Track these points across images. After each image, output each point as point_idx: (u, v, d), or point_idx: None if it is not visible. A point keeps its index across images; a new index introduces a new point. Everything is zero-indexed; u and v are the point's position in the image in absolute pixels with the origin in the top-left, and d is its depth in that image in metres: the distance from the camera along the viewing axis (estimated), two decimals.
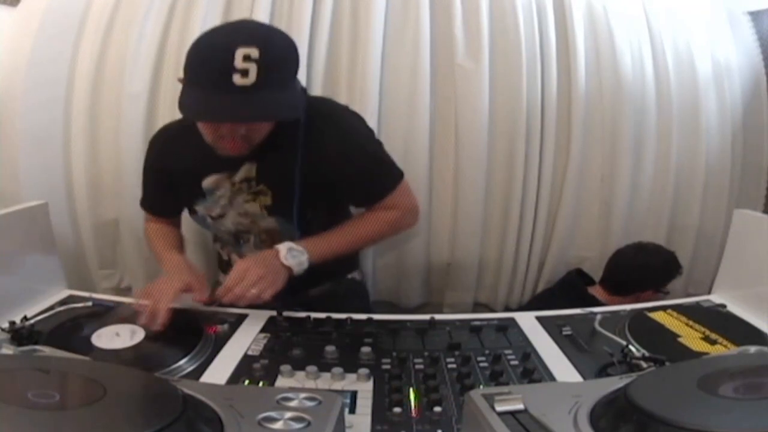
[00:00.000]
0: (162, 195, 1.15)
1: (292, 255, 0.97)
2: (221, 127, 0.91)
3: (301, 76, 1.46)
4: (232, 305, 0.96)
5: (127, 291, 1.71)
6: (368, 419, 0.67)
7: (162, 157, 1.11)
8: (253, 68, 0.82)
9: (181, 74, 0.91)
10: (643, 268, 1.55)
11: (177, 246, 1.15)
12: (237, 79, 0.82)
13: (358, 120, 1.09)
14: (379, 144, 1.11)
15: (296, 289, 1.03)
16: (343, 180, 1.04)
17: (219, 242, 1.22)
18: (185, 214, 1.20)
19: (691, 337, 0.89)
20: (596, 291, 1.61)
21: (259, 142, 0.96)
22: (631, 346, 0.82)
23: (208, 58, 0.85)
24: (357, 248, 1.09)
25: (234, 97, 0.83)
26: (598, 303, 1.48)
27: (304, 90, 1.02)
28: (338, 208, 1.14)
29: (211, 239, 1.31)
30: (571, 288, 1.64)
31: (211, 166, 1.03)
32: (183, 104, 0.88)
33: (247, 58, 0.81)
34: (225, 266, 1.23)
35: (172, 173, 1.09)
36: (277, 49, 0.87)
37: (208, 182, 1.05)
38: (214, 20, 1.51)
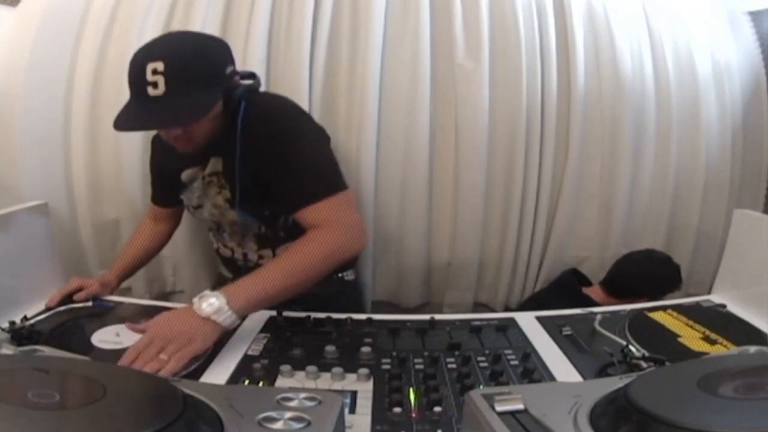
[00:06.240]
0: (161, 186, 1.31)
1: (207, 303, 0.85)
2: (163, 132, 1.02)
3: (301, 76, 1.48)
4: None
5: (127, 291, 1.71)
6: (368, 419, 0.67)
7: (157, 152, 1.27)
8: (161, 80, 0.90)
9: None
10: (645, 278, 1.54)
11: (134, 247, 1.31)
12: (150, 90, 0.91)
13: (295, 119, 1.06)
14: (315, 148, 1.06)
15: None
16: (269, 178, 1.03)
17: (210, 232, 1.27)
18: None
19: (691, 337, 0.89)
20: (592, 291, 1.60)
21: (203, 141, 1.02)
22: (631, 346, 0.82)
23: (130, 74, 0.94)
24: (298, 283, 0.94)
25: (148, 107, 0.93)
26: (592, 303, 1.47)
27: (251, 89, 1.04)
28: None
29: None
30: (565, 288, 1.63)
31: (189, 161, 1.13)
32: (116, 117, 0.96)
33: (155, 71, 0.90)
34: (217, 257, 1.31)
35: (162, 165, 1.25)
36: (181, 60, 0.92)
37: (185, 175, 1.16)
38: (214, 20, 1.51)
